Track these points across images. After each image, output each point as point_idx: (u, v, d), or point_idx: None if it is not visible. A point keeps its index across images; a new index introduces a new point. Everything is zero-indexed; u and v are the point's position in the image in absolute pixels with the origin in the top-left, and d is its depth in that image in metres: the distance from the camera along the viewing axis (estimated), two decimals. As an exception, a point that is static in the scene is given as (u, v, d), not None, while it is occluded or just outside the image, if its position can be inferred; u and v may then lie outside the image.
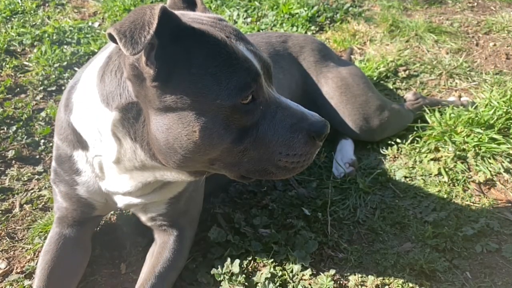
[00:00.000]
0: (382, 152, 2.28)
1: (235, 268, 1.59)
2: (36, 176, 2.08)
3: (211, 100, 1.08)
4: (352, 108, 2.17)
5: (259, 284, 1.56)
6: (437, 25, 3.47)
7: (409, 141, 2.30)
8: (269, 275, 1.58)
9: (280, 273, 1.60)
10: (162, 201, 1.51)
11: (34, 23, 3.58)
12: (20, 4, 3.89)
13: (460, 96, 2.67)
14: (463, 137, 2.23)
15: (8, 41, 3.20)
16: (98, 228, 1.80)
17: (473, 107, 2.43)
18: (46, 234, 1.73)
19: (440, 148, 2.24)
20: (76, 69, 2.89)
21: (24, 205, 1.93)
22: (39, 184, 2.04)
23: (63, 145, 1.41)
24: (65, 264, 1.52)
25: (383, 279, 1.62)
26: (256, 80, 1.14)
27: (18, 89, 2.71)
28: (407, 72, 2.94)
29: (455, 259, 1.70)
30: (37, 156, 2.21)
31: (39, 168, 2.12)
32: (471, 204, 1.95)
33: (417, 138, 2.32)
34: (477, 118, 2.28)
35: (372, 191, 2.04)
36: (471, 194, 2.00)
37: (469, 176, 2.10)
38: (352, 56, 3.10)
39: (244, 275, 1.59)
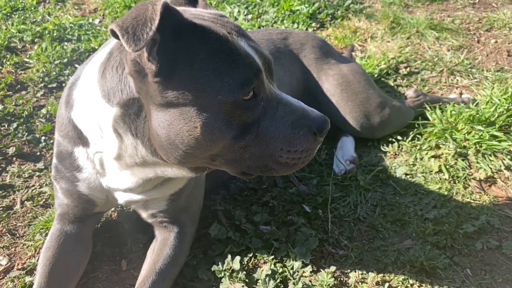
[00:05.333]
0: (382, 149, 2.28)
1: (236, 265, 1.59)
2: (37, 173, 2.08)
3: (212, 96, 1.08)
4: (353, 105, 2.17)
5: (259, 281, 1.56)
6: (438, 22, 3.46)
7: (409, 138, 2.30)
8: (269, 272, 1.58)
9: (280, 270, 1.61)
10: (162, 197, 1.51)
11: (34, 20, 3.58)
12: (21, 1, 3.89)
13: (461, 93, 2.67)
14: (464, 134, 2.23)
15: (8, 37, 3.20)
16: (99, 225, 1.80)
17: (474, 104, 2.43)
18: (47, 231, 1.73)
19: (441, 145, 2.24)
20: (76, 65, 2.89)
21: (25, 201, 1.93)
22: (40, 181, 2.04)
23: (64, 142, 1.41)
24: (66, 261, 1.52)
25: (384, 276, 1.62)
26: (258, 76, 1.14)
27: (19, 86, 2.70)
28: (408, 69, 2.94)
29: (455, 256, 1.70)
30: (38, 153, 2.21)
31: (40, 165, 2.12)
32: (472, 201, 1.95)
33: (417, 135, 2.32)
34: (478, 115, 2.28)
35: (372, 188, 2.04)
36: (471, 191, 2.00)
37: (470, 173, 2.10)
38: (353, 53, 3.10)
39: (244, 272, 1.59)
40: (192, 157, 1.16)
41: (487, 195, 1.98)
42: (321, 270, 1.63)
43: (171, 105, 1.10)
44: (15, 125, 2.34)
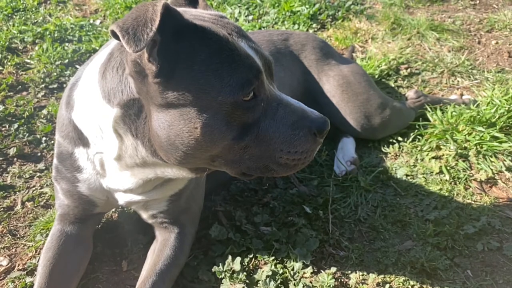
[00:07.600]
0: (383, 150, 2.28)
1: (236, 266, 1.59)
2: (38, 174, 2.09)
3: (213, 96, 1.08)
4: (353, 106, 2.17)
5: (260, 282, 1.56)
6: (439, 23, 3.46)
7: (410, 139, 2.30)
8: (270, 273, 1.58)
9: (281, 271, 1.60)
10: (163, 198, 1.51)
11: (35, 21, 3.58)
12: (22, 2, 3.89)
13: (462, 94, 2.67)
14: (465, 135, 2.23)
15: (9, 38, 3.21)
16: (100, 226, 1.80)
17: (475, 105, 2.43)
18: (47, 232, 1.73)
19: (441, 146, 2.24)
20: (77, 66, 2.90)
21: (26, 202, 1.93)
22: (41, 182, 2.04)
23: (65, 142, 1.42)
24: (66, 261, 1.52)
25: (384, 277, 1.62)
26: (258, 77, 1.14)
27: (20, 86, 2.71)
28: (408, 70, 2.94)
29: (456, 257, 1.70)
30: (39, 154, 2.21)
31: (41, 165, 2.13)
32: (473, 202, 1.95)
33: (418, 136, 2.32)
34: (478, 116, 2.28)
35: (373, 189, 2.03)
36: (472, 193, 2.00)
37: (471, 175, 2.10)
38: (354, 54, 3.10)
39: (245, 273, 1.59)
40: (192, 157, 1.16)
41: (487, 196, 1.98)
42: (322, 271, 1.63)
43: (171, 106, 1.10)
44: (16, 125, 2.34)
